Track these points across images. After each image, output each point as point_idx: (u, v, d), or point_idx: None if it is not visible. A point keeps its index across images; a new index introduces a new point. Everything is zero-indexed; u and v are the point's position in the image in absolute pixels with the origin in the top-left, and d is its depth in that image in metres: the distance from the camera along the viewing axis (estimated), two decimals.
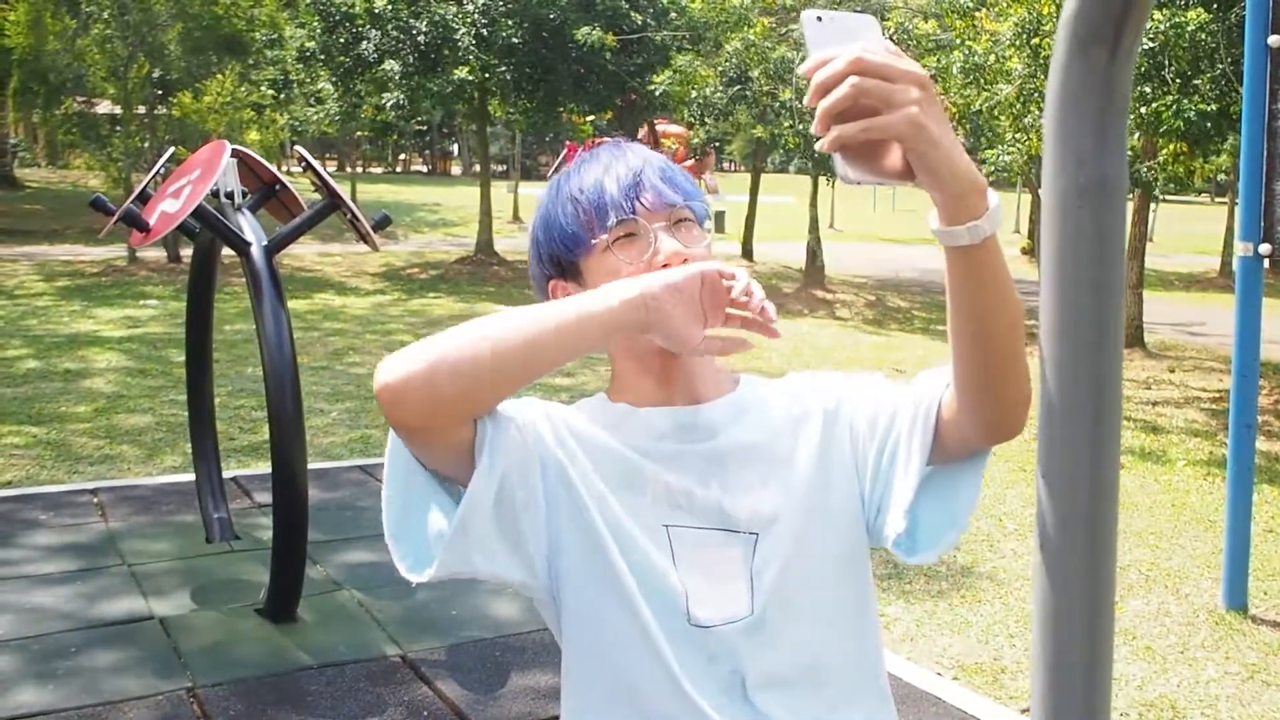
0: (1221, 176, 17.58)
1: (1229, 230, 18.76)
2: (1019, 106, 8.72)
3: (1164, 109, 7.59)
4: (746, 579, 1.20)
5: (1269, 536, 5.25)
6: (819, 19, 0.99)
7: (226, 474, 4.95)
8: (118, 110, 16.02)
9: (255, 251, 3.70)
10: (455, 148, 54.86)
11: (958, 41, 9.39)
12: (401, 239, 21.12)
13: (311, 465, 4.17)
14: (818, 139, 0.97)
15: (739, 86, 14.41)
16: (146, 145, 14.89)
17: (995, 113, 9.07)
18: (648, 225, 1.22)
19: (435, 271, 16.57)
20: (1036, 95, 8.37)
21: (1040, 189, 0.72)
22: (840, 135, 0.95)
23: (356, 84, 16.50)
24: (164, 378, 8.02)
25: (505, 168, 40.91)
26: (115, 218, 3.70)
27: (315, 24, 16.44)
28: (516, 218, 24.24)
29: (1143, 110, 7.75)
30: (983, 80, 8.83)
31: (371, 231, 4.01)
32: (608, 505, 1.19)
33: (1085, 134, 0.62)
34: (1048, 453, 0.67)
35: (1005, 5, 8.61)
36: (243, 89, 16.01)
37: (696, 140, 20.13)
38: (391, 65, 15.54)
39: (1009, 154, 9.41)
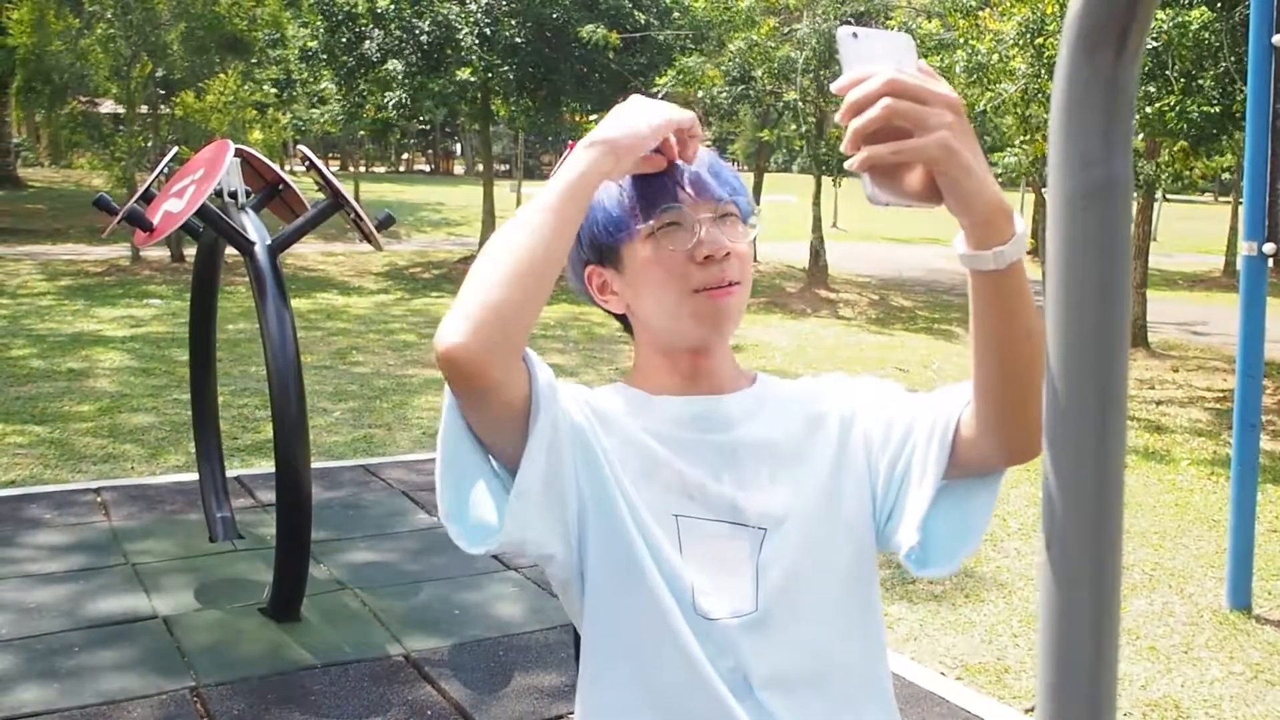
0: (1226, 176, 17.57)
1: (1233, 229, 18.76)
2: (1024, 106, 8.72)
3: (1167, 109, 7.58)
4: (752, 574, 1.20)
5: (1273, 536, 5.24)
6: (854, 35, 0.99)
7: (230, 473, 4.96)
8: (121, 110, 16.05)
9: (258, 251, 3.71)
10: (458, 147, 54.93)
11: (961, 41, 9.39)
12: (405, 238, 21.14)
13: (315, 464, 4.17)
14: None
15: (743, 86, 14.40)
16: (149, 145, 14.90)
17: (1000, 112, 9.07)
18: (693, 216, 1.22)
19: (438, 271, 16.58)
20: (1040, 95, 8.37)
21: (1045, 190, 0.72)
22: (871, 155, 0.95)
23: (359, 83, 16.51)
24: (167, 377, 8.02)
25: (508, 167, 40.95)
26: (119, 217, 3.70)
27: (318, 24, 16.45)
28: None
29: (1148, 110, 7.74)
30: (986, 80, 8.83)
31: (374, 231, 4.02)
32: (626, 490, 1.20)
33: (1091, 136, 0.62)
34: (1053, 454, 0.67)
35: (1009, 5, 8.61)
36: (245, 88, 16.03)
37: (704, 142, 20.14)
38: (394, 65, 15.55)
39: (1015, 155, 9.41)
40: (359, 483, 5.39)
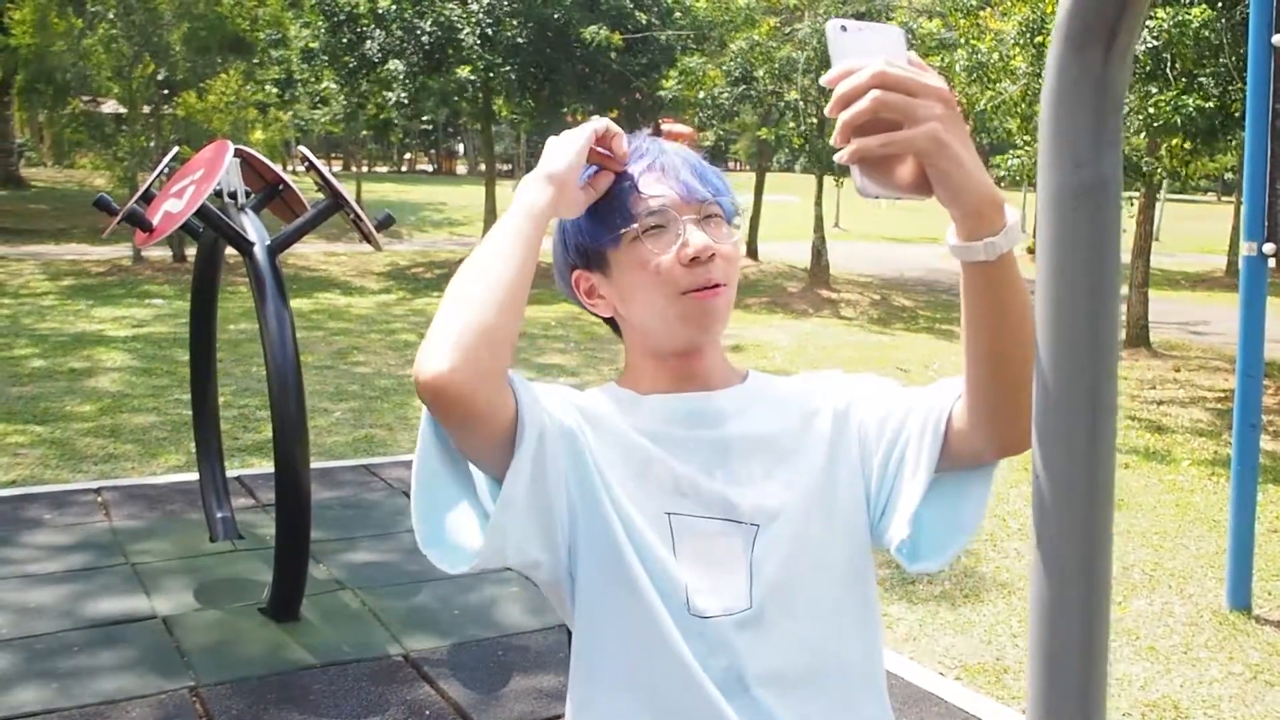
0: (1228, 175, 17.56)
1: (1235, 229, 18.73)
2: (1025, 106, 8.72)
3: (1163, 103, 7.58)
4: (746, 571, 1.19)
5: (1273, 536, 5.24)
6: (843, 28, 0.99)
7: (230, 473, 4.96)
8: (123, 110, 16.05)
9: (258, 251, 3.71)
10: (460, 147, 54.91)
11: (961, 40, 9.40)
12: (406, 238, 21.15)
13: (315, 464, 4.17)
14: (835, 150, 0.97)
15: (744, 86, 14.41)
16: (152, 145, 14.91)
17: (1001, 111, 9.07)
18: (677, 217, 1.22)
19: (440, 271, 16.58)
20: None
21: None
22: (860, 148, 0.95)
23: (361, 83, 16.53)
24: (168, 377, 8.03)
25: (510, 167, 40.94)
26: (119, 217, 3.70)
27: (320, 24, 16.46)
28: None
29: (1150, 110, 7.74)
30: (987, 78, 8.84)
31: (374, 231, 4.02)
32: (614, 490, 1.19)
33: (1080, 135, 0.62)
34: (1043, 452, 0.67)
35: (1010, 4, 8.61)
36: (247, 88, 16.04)
37: (707, 143, 20.16)
38: (396, 65, 15.56)
39: (1018, 157, 9.42)
40: (359, 483, 5.39)
